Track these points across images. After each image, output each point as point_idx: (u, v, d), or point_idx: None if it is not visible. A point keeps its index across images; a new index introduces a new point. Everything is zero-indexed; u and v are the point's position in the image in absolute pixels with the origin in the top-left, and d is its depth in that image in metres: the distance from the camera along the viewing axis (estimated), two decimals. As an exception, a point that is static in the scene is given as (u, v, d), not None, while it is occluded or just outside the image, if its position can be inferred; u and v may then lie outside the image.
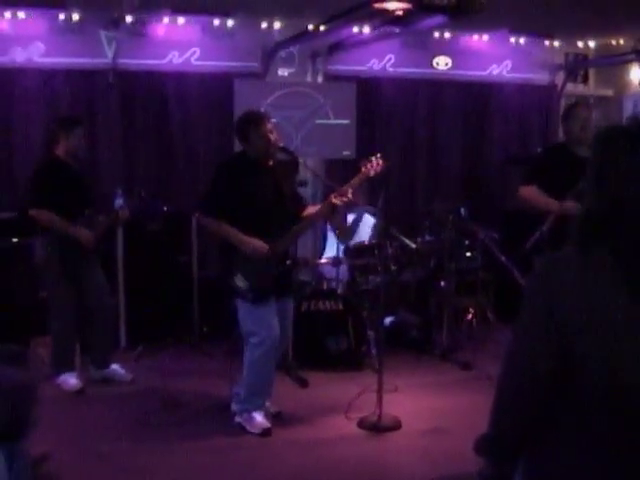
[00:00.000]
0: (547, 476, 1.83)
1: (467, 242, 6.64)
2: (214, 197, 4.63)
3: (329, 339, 5.97)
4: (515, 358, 1.85)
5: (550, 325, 1.74)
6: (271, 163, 4.69)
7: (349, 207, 5.57)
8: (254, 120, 4.63)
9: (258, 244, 4.53)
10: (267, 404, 4.84)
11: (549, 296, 1.75)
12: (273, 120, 4.78)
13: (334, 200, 4.62)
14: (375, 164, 4.72)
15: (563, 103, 8.13)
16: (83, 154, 5.56)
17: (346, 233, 6.43)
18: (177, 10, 6.72)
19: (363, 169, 4.69)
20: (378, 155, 4.75)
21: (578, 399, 1.74)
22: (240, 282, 4.56)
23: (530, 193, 5.06)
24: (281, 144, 4.74)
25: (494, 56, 8.03)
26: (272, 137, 4.59)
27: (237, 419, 4.73)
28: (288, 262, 4.75)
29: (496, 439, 1.93)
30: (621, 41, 7.95)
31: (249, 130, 4.61)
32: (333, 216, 5.63)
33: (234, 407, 4.78)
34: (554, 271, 1.79)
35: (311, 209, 4.90)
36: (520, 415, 1.84)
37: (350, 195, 4.63)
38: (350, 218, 6.63)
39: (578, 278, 1.73)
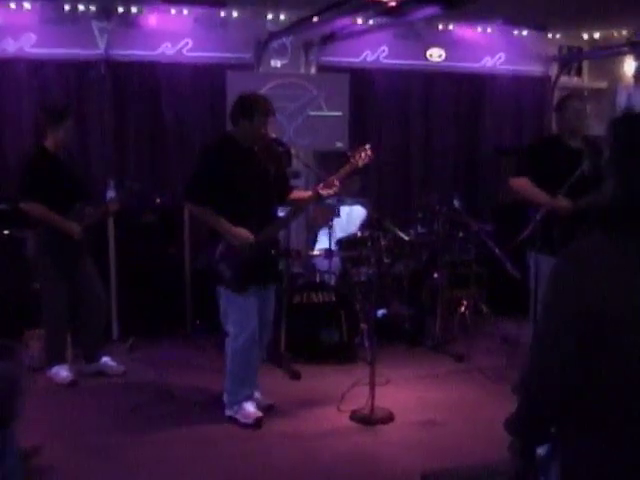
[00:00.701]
0: (581, 467, 1.83)
1: (460, 234, 6.64)
2: (199, 182, 4.56)
3: (322, 331, 5.96)
4: (545, 342, 1.84)
5: (581, 312, 1.73)
6: (257, 148, 4.64)
7: (338, 197, 5.54)
8: (262, 110, 4.53)
9: (243, 233, 4.49)
10: (259, 396, 4.83)
11: (580, 283, 1.74)
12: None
13: (320, 191, 4.58)
14: (364, 155, 4.64)
15: (557, 95, 8.12)
16: (72, 145, 5.51)
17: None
18: (169, 1, 6.68)
19: (352, 160, 4.62)
20: (367, 146, 4.66)
21: (609, 386, 1.74)
22: (225, 273, 4.55)
23: (521, 185, 5.06)
24: (273, 135, 4.71)
25: (488, 48, 8.02)
26: (266, 133, 4.56)
27: (227, 412, 4.71)
28: (273, 252, 4.73)
29: (524, 420, 1.93)
30: (615, 33, 7.95)
31: (252, 115, 4.50)
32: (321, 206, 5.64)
33: (225, 400, 4.78)
34: (584, 258, 1.78)
35: (297, 193, 4.86)
36: (548, 396, 1.83)
37: (336, 186, 4.59)
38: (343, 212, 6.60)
39: (609, 265, 1.72)
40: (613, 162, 1.81)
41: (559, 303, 1.81)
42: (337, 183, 4.58)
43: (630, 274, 1.69)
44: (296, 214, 4.95)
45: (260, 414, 4.64)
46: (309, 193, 4.79)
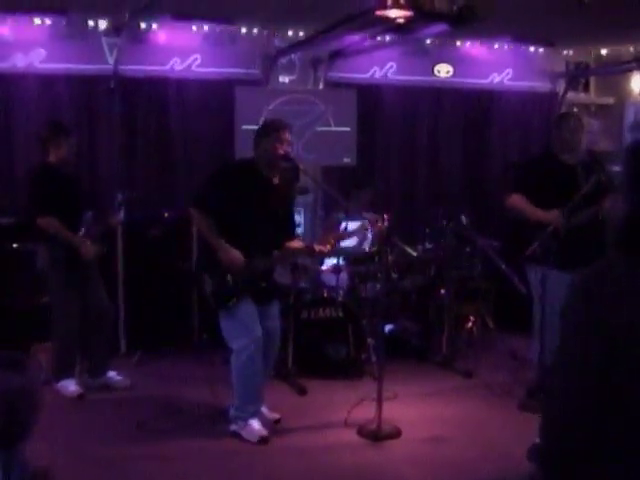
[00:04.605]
0: None
1: (467, 250, 6.64)
2: (208, 194, 4.63)
3: (329, 347, 5.95)
4: (565, 368, 1.80)
5: (602, 337, 1.69)
6: (276, 181, 4.68)
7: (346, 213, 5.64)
8: (265, 132, 4.67)
9: (235, 255, 4.52)
10: (265, 411, 4.83)
11: (600, 306, 1.71)
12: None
13: (316, 247, 4.70)
14: (380, 224, 4.72)
15: (564, 111, 8.13)
16: (80, 160, 5.53)
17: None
18: (179, 17, 6.72)
19: (367, 223, 4.67)
20: (386, 216, 4.75)
21: (630, 414, 1.71)
22: (207, 285, 4.59)
23: (515, 202, 5.12)
24: (281, 152, 4.71)
25: (495, 64, 8.04)
26: (279, 150, 4.58)
27: (232, 427, 4.71)
28: (264, 284, 4.70)
29: (546, 451, 1.87)
30: (622, 49, 7.96)
31: (260, 141, 4.65)
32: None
33: (231, 414, 4.77)
34: (603, 281, 1.75)
35: (296, 243, 4.87)
36: (570, 427, 1.79)
37: (332, 245, 4.76)
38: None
39: (629, 286, 1.69)
40: (626, 187, 1.82)
41: (575, 328, 1.77)
42: (332, 241, 4.75)
43: None
44: (288, 259, 5.17)
45: (265, 433, 4.62)
46: (303, 245, 4.86)
